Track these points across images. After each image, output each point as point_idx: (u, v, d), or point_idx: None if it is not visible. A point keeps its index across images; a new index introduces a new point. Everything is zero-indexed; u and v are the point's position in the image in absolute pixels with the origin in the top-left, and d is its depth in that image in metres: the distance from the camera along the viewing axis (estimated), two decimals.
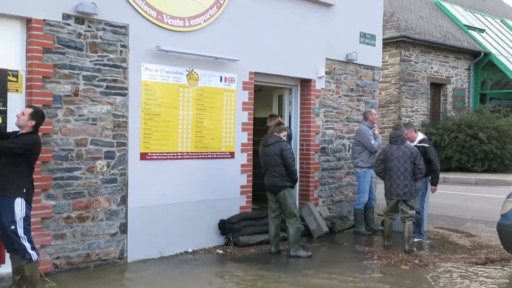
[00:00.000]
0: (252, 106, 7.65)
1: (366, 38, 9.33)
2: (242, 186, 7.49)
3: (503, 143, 16.20)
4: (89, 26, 5.86)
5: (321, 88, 8.63)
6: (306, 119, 8.55)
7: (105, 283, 5.47)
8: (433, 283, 5.73)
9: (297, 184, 8.34)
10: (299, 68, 8.26)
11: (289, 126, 8.59)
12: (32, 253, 4.78)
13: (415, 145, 7.65)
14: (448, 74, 18.84)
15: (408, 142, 7.55)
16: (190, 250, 6.84)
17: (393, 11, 18.03)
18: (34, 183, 4.98)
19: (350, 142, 9.06)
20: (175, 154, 6.72)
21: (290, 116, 8.66)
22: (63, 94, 5.66)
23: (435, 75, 18.32)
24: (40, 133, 5.14)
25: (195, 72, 6.90)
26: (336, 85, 8.92)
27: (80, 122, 5.82)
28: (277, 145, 6.67)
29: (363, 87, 9.44)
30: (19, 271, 4.81)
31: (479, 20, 22.36)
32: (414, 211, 7.18)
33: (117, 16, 6.08)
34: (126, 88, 6.20)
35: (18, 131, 4.87)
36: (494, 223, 6.66)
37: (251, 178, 7.64)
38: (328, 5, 8.59)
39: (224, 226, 7.16)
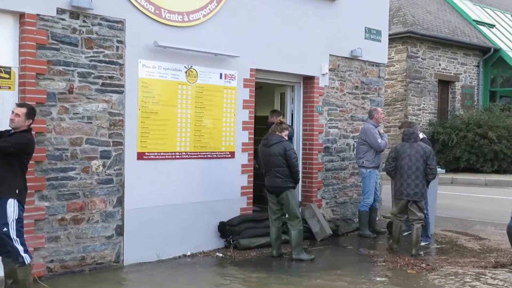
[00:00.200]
0: (253, 104, 7.65)
1: (372, 34, 9.32)
2: (242, 187, 7.49)
3: None
4: (84, 21, 5.86)
5: (325, 86, 8.63)
6: (309, 117, 8.54)
7: None
8: None
9: (300, 185, 8.36)
10: (302, 65, 8.26)
11: (292, 124, 8.58)
12: (25, 256, 4.78)
13: None
14: (457, 71, 18.82)
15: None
16: (188, 253, 6.85)
17: (400, 6, 18.01)
18: (27, 184, 4.98)
19: (355, 141, 9.05)
20: (173, 153, 6.72)
21: (292, 115, 8.66)
22: (57, 92, 5.67)
23: (443, 72, 18.30)
24: (33, 132, 5.15)
25: (194, 68, 6.90)
26: (340, 83, 8.91)
27: (75, 121, 5.82)
28: (280, 144, 6.66)
29: (368, 85, 9.44)
30: (11, 274, 4.82)
31: (489, 15, 22.32)
32: (423, 214, 7.15)
33: (113, 10, 6.08)
34: (122, 86, 6.20)
35: (11, 130, 4.87)
36: (504, 225, 6.67)
37: (252, 179, 7.64)
38: (332, 0, 8.60)
39: (224, 229, 7.16)
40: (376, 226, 8.51)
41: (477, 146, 16.25)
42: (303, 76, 8.48)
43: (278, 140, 6.71)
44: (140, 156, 6.39)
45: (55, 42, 5.64)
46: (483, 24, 20.88)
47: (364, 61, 9.29)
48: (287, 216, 7.01)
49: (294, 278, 6.03)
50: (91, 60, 5.92)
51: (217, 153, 7.19)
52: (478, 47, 19.27)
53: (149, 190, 6.45)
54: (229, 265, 6.47)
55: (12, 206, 4.73)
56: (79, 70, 5.84)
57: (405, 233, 7.71)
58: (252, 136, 7.64)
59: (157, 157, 6.55)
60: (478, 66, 19.56)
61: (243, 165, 7.48)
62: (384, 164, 8.45)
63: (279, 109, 8.94)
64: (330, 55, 8.66)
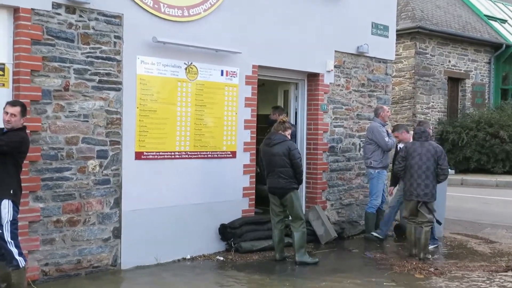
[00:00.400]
0: (256, 102, 7.65)
1: (379, 29, 9.31)
2: (244, 188, 7.49)
3: None
4: (80, 16, 5.87)
5: (330, 83, 8.62)
6: (313, 116, 8.54)
7: None
8: None
9: (304, 186, 8.36)
10: (306, 61, 8.25)
11: (295, 123, 8.59)
12: (20, 259, 4.79)
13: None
14: (467, 68, 18.79)
15: (401, 144, 7.66)
16: (188, 257, 6.85)
17: (408, 0, 17.99)
18: (22, 184, 4.99)
19: (361, 141, 9.05)
20: (172, 153, 6.72)
21: (296, 113, 8.66)
22: (52, 89, 5.67)
23: (453, 69, 18.27)
24: (28, 131, 5.16)
25: (194, 65, 6.90)
26: (346, 80, 8.91)
27: (71, 119, 5.83)
28: (284, 144, 6.66)
29: (375, 82, 9.43)
30: (5, 278, 4.83)
31: (501, 9, 22.28)
32: (433, 216, 7.13)
33: (110, 5, 6.08)
34: (120, 83, 6.20)
35: (4, 128, 4.88)
36: None
37: (254, 180, 7.64)
38: None
39: (225, 231, 7.16)
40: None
41: (488, 146, 16.23)
42: (307, 73, 8.48)
43: (282, 140, 6.71)
44: (138, 156, 6.39)
45: (50, 37, 5.64)
46: (495, 19, 20.84)
47: (371, 58, 9.28)
48: (290, 218, 7.02)
49: (298, 282, 6.04)
50: (87, 56, 5.93)
51: (218, 152, 7.19)
52: (489, 43, 19.24)
53: (148, 191, 6.46)
54: (230, 269, 6.47)
55: (6, 207, 4.74)
56: (75, 66, 5.84)
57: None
58: (255, 135, 7.64)
59: (155, 157, 6.56)
60: (489, 63, 19.52)
61: (245, 165, 7.49)
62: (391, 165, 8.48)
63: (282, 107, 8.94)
64: (335, 51, 8.65)
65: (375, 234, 8.02)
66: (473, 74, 19.03)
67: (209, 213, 7.07)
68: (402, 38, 16.65)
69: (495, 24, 20.46)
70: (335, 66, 8.66)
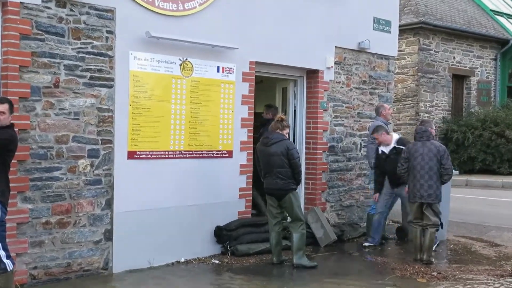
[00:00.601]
0: (253, 100, 7.66)
1: (381, 24, 9.34)
2: (241, 189, 7.51)
3: None
4: (71, 10, 5.87)
5: (330, 80, 8.64)
6: (313, 114, 8.56)
7: None
8: None
9: (302, 187, 8.38)
10: (306, 58, 8.27)
11: (294, 122, 8.61)
12: (7, 262, 4.80)
13: (394, 147, 7.72)
14: (472, 64, 18.82)
15: (384, 144, 7.73)
16: (182, 260, 6.86)
17: None
18: (10, 184, 4.99)
19: (362, 140, 9.07)
20: (166, 152, 6.73)
21: (295, 111, 8.68)
22: (42, 86, 5.68)
23: (458, 66, 18.30)
24: (16, 129, 5.16)
25: (189, 61, 6.91)
26: (347, 77, 8.93)
27: (61, 117, 5.83)
28: (282, 143, 6.67)
29: (377, 79, 9.45)
30: None
31: (508, 4, 22.31)
32: (438, 219, 7.14)
33: None
34: (112, 79, 6.21)
35: None
36: None
37: (251, 180, 7.66)
38: None
39: (221, 234, 7.18)
40: (385, 232, 8.53)
41: (494, 145, 16.26)
42: (306, 69, 8.49)
43: (279, 139, 6.72)
44: (131, 155, 6.40)
45: (40, 32, 5.64)
46: (501, 14, 20.88)
47: (373, 54, 9.30)
48: (288, 220, 7.03)
49: (296, 287, 6.05)
50: (78, 52, 5.93)
51: (213, 152, 7.20)
52: (495, 39, 19.26)
53: (140, 191, 6.47)
54: (226, 273, 6.49)
55: None
56: (66, 62, 5.84)
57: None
58: (252, 134, 7.66)
59: (149, 156, 6.57)
60: (495, 60, 19.55)
61: (241, 165, 7.50)
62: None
63: (280, 105, 8.97)
64: (335, 47, 8.67)
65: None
66: (479, 71, 19.06)
67: (204, 214, 7.08)
68: (405, 33, 16.66)
69: (502, 19, 20.48)
70: (335, 63, 8.68)
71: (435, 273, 6.54)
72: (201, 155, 7.08)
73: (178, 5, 6.73)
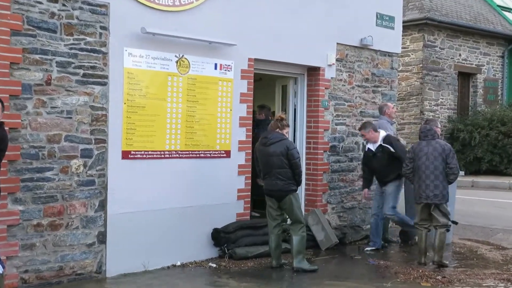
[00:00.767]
0: (252, 98, 7.66)
1: (384, 20, 9.33)
2: (239, 190, 7.51)
3: None
4: (64, 5, 5.86)
5: (331, 78, 8.64)
6: (313, 113, 8.56)
7: None
8: None
9: (303, 188, 8.38)
10: (306, 54, 8.27)
11: (294, 121, 8.61)
12: None
13: (380, 144, 7.75)
14: (479, 62, 18.84)
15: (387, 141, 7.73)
16: (178, 263, 6.86)
17: None
18: (0, 185, 4.99)
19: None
20: (162, 152, 6.73)
21: (295, 110, 8.67)
22: (33, 83, 5.67)
23: (464, 63, 18.32)
24: (6, 128, 5.15)
25: (185, 58, 6.90)
26: (349, 74, 8.93)
27: (53, 115, 5.83)
28: (281, 143, 6.67)
29: (380, 77, 9.45)
30: None
31: None
32: (447, 220, 7.14)
33: None
34: (106, 77, 6.20)
35: None
36: None
37: (250, 181, 7.65)
38: None
39: (218, 236, 7.17)
40: (388, 235, 8.54)
41: (501, 145, 16.28)
42: (307, 67, 8.49)
43: (279, 139, 6.72)
44: (125, 155, 6.40)
45: (31, 27, 5.64)
46: (509, 10, 20.89)
47: (376, 51, 9.30)
48: (288, 222, 7.03)
49: None
50: (71, 48, 5.93)
51: (211, 152, 7.20)
52: (502, 36, 19.28)
53: (135, 193, 6.46)
54: (224, 277, 6.48)
55: None
56: (58, 59, 5.84)
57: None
58: (250, 133, 7.66)
59: (144, 156, 6.56)
60: (502, 57, 19.58)
61: (239, 166, 7.50)
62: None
63: (280, 104, 8.97)
64: (337, 43, 8.67)
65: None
66: (485, 69, 19.08)
67: (201, 216, 7.08)
68: (409, 30, 16.68)
69: (509, 15, 20.50)
70: (337, 60, 8.67)
71: (439, 277, 6.54)
72: (198, 155, 7.07)
73: (175, 0, 6.73)
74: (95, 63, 6.12)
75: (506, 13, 20.52)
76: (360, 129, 8.07)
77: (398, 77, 10.20)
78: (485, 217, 10.70)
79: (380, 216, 8.04)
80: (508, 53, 19.65)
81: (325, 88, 8.57)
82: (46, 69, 5.76)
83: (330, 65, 8.56)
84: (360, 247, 8.12)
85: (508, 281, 6.48)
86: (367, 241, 8.30)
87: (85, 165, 6.07)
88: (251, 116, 7.67)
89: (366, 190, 8.20)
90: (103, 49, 6.17)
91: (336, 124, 8.77)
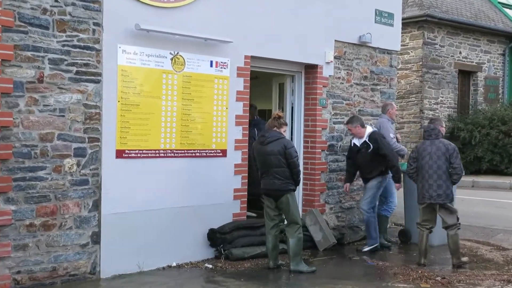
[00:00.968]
0: (248, 96, 7.67)
1: (383, 17, 9.35)
2: (235, 190, 7.52)
3: None
4: (56, 1, 5.86)
5: (329, 76, 8.66)
6: (311, 111, 8.57)
7: None
8: None
9: (300, 188, 8.39)
10: (304, 52, 8.28)
11: (291, 119, 8.62)
12: None
13: (365, 141, 7.79)
14: (479, 60, 18.88)
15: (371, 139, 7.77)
16: (174, 264, 6.87)
17: None
18: None
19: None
20: (157, 151, 6.74)
21: (292, 108, 8.69)
22: (25, 81, 5.67)
23: (464, 61, 18.36)
24: None
25: (180, 55, 6.91)
26: (347, 72, 8.94)
27: (46, 114, 5.83)
28: (279, 142, 6.68)
29: (379, 75, 9.47)
30: None
31: None
32: (454, 219, 7.17)
33: None
34: (99, 74, 6.21)
35: None
36: None
37: (247, 181, 7.67)
38: None
39: (214, 237, 7.18)
40: (387, 235, 8.55)
41: (501, 145, 16.31)
42: (304, 64, 8.51)
43: (277, 137, 6.73)
44: (120, 154, 6.40)
45: (23, 24, 5.64)
46: (510, 7, 20.93)
47: (374, 48, 9.32)
48: (285, 222, 7.04)
49: None
50: (63, 45, 5.93)
51: (206, 151, 7.21)
52: (504, 33, 19.32)
53: (129, 192, 6.47)
54: (220, 278, 6.49)
55: None
56: (50, 56, 5.84)
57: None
58: (247, 132, 7.67)
59: (138, 155, 6.57)
60: (503, 55, 19.62)
61: (236, 165, 7.51)
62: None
63: (277, 102, 8.98)
64: (335, 40, 8.69)
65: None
66: (486, 67, 19.12)
67: (197, 216, 7.09)
68: (408, 27, 16.70)
69: (510, 13, 20.55)
70: (335, 57, 8.69)
71: (439, 278, 6.55)
72: (193, 154, 7.08)
73: None
74: (88, 60, 6.12)
75: (507, 10, 20.57)
76: (347, 123, 8.11)
77: (398, 75, 10.23)
78: (485, 217, 10.72)
79: (373, 215, 8.07)
80: (509, 50, 19.69)
81: (323, 86, 8.58)
82: (38, 66, 5.76)
83: (328, 63, 8.57)
84: (359, 247, 8.13)
85: (508, 282, 6.50)
86: (365, 242, 8.31)
87: (78, 164, 6.07)
88: (248, 114, 7.67)
89: (347, 184, 8.25)
90: (96, 46, 6.17)
91: (334, 123, 8.79)
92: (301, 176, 7.96)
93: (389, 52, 9.61)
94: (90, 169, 6.17)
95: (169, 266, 6.82)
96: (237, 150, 7.52)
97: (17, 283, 5.65)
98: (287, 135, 7.39)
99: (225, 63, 7.32)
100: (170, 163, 6.85)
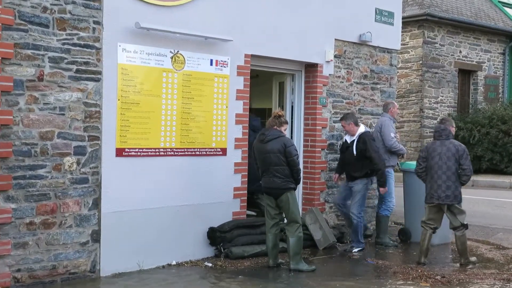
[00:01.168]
0: (248, 95, 7.67)
1: (383, 16, 9.35)
2: (235, 189, 7.52)
3: None
4: None
5: (329, 74, 8.66)
6: (311, 110, 8.57)
7: None
8: None
9: (300, 186, 8.39)
10: (304, 51, 8.28)
11: (291, 118, 8.63)
12: None
13: (354, 140, 7.80)
14: (479, 59, 18.88)
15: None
16: (174, 263, 6.88)
17: None
18: None
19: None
20: (157, 150, 6.74)
21: (292, 107, 8.69)
22: (25, 79, 5.67)
23: (464, 60, 18.36)
24: None
25: (181, 54, 6.91)
26: (347, 71, 8.94)
27: (46, 112, 5.83)
28: (279, 140, 6.69)
29: (379, 74, 9.47)
30: None
31: None
32: (462, 220, 7.19)
33: None
34: (99, 72, 6.21)
35: None
36: None
37: (246, 179, 7.67)
38: None
39: (214, 235, 7.19)
40: (385, 236, 8.55)
41: (501, 144, 16.31)
42: (304, 63, 8.51)
43: (277, 136, 6.74)
44: (120, 152, 6.41)
45: (23, 22, 5.64)
46: (510, 6, 20.93)
47: (374, 47, 9.32)
48: (285, 221, 7.05)
49: None
50: (64, 44, 5.93)
51: (206, 149, 7.21)
52: (504, 32, 19.32)
53: (129, 191, 6.47)
54: (220, 276, 6.50)
55: None
56: (50, 54, 5.84)
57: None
58: (247, 131, 7.67)
59: (138, 153, 6.57)
60: (503, 54, 19.62)
61: (236, 164, 7.51)
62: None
63: (277, 101, 8.98)
64: (335, 39, 8.69)
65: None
66: (486, 66, 19.12)
67: (197, 215, 7.09)
68: (408, 26, 16.71)
69: (511, 12, 20.54)
70: (335, 56, 8.69)
71: (438, 277, 6.56)
72: (193, 153, 7.08)
73: None
74: (89, 58, 6.12)
75: (508, 9, 20.57)
76: (341, 119, 8.13)
77: (398, 74, 10.23)
78: (485, 216, 10.73)
79: (342, 209, 8.12)
80: (509, 50, 19.70)
81: (323, 85, 8.59)
82: (39, 64, 5.76)
83: (328, 62, 8.57)
84: (347, 249, 8.10)
85: (508, 281, 6.51)
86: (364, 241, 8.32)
87: (78, 163, 6.08)
88: (248, 113, 7.68)
89: (337, 175, 8.30)
90: (96, 44, 6.17)
91: (334, 122, 8.79)
92: (301, 175, 8.00)
93: (389, 51, 9.61)
94: (90, 168, 6.17)
95: (169, 265, 6.83)
96: (237, 148, 7.52)
97: (17, 281, 5.66)
98: (287, 133, 7.39)
99: (225, 61, 7.32)
100: (170, 162, 6.85)
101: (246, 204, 7.75)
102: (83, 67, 6.08)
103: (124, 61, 6.40)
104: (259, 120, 8.98)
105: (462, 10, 18.63)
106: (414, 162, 8.99)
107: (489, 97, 19.15)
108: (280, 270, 6.85)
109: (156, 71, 6.69)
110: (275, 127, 6.81)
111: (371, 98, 9.35)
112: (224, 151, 7.39)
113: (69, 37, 5.96)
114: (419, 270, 6.84)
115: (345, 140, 8.04)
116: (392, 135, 8.33)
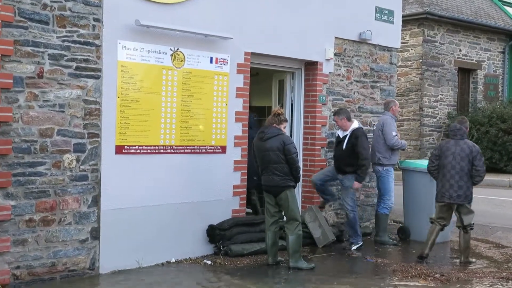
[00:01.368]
0: (248, 93, 7.67)
1: (383, 14, 9.35)
2: (235, 186, 7.52)
3: None
4: None
5: (329, 73, 8.65)
6: (311, 108, 8.57)
7: None
8: None
9: (300, 184, 8.39)
10: (304, 49, 8.27)
11: (291, 116, 8.62)
12: None
13: (346, 134, 7.81)
14: (479, 57, 18.87)
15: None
16: (173, 260, 6.88)
17: None
18: None
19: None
20: (156, 147, 6.74)
21: (292, 105, 8.69)
22: (25, 76, 5.67)
23: (464, 58, 18.35)
24: None
25: (180, 51, 6.91)
26: (347, 69, 8.94)
27: (45, 109, 5.82)
28: (278, 138, 6.69)
29: (379, 72, 9.46)
30: None
31: None
32: (470, 220, 7.24)
33: None
34: (99, 70, 6.20)
35: None
36: None
37: (246, 177, 7.67)
38: None
39: (214, 233, 7.19)
40: (384, 236, 8.55)
41: (501, 143, 16.32)
42: (304, 61, 8.50)
43: (276, 133, 6.74)
44: (119, 150, 6.40)
45: (23, 19, 5.63)
46: (510, 4, 20.92)
47: (374, 45, 9.31)
48: (284, 219, 7.05)
49: None
50: (63, 41, 5.92)
51: (206, 147, 7.21)
52: (504, 31, 19.31)
53: (129, 188, 6.47)
54: (219, 274, 6.50)
55: None
56: (50, 51, 5.83)
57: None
58: (246, 128, 7.67)
59: (138, 151, 6.57)
60: (503, 53, 19.62)
61: (235, 162, 7.51)
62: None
63: (277, 99, 8.98)
64: (335, 37, 8.68)
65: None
66: (486, 65, 19.12)
67: (196, 213, 7.09)
68: (408, 24, 16.70)
69: (510, 10, 20.53)
70: (335, 54, 8.69)
71: (438, 276, 6.57)
72: (193, 151, 7.08)
73: None
74: (88, 55, 6.11)
75: (508, 8, 20.56)
76: (334, 114, 8.15)
77: (397, 72, 10.23)
78: (484, 215, 10.72)
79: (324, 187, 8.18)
80: (509, 48, 19.69)
81: (323, 83, 8.58)
82: (38, 61, 5.75)
83: (328, 60, 8.57)
84: (346, 246, 8.11)
85: (507, 279, 6.52)
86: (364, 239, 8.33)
87: (78, 160, 6.07)
88: (247, 111, 7.67)
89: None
90: (96, 41, 6.17)
91: (334, 120, 8.77)
92: (301, 172, 8.00)
93: (389, 49, 9.61)
94: (90, 165, 6.17)
95: (168, 262, 6.83)
96: (236, 146, 7.52)
97: (16, 278, 5.66)
98: (286, 132, 7.39)
99: (225, 59, 7.32)
100: (169, 159, 6.85)
101: (245, 202, 7.75)
102: (83, 64, 6.07)
103: (124, 59, 6.39)
104: (253, 116, 8.92)
105: (462, 8, 18.62)
106: (414, 161, 9.03)
107: (489, 96, 19.16)
108: (279, 268, 6.86)
109: (156, 68, 6.68)
110: (275, 125, 6.81)
111: (371, 97, 9.34)
112: (223, 149, 7.38)
113: (69, 34, 5.95)
114: (418, 268, 6.84)
115: (338, 135, 8.06)
116: (394, 133, 8.33)
